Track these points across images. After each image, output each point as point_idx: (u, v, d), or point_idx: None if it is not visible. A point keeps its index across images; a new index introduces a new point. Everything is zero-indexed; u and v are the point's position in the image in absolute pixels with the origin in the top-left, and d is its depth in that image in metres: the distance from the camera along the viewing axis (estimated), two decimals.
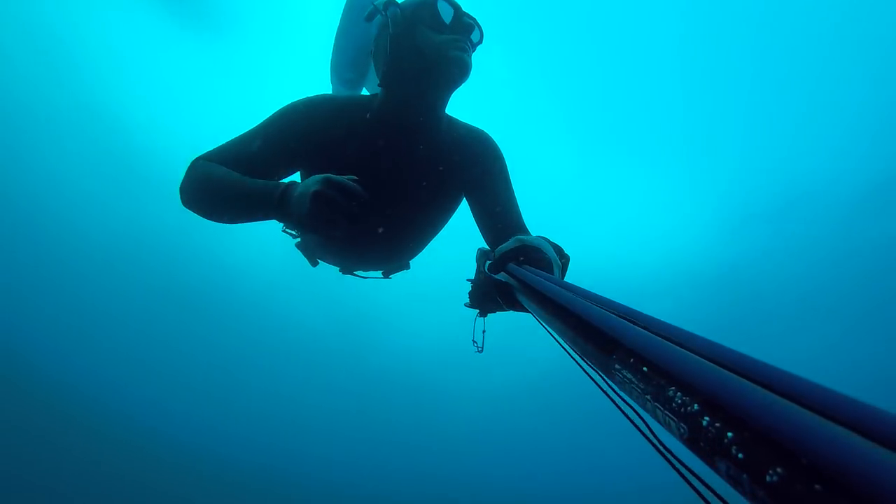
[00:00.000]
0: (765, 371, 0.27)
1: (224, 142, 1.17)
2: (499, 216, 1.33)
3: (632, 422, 0.39)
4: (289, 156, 1.17)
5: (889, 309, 10.52)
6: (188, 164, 1.12)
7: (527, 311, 0.73)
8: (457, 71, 1.15)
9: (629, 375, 0.33)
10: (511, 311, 1.01)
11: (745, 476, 0.22)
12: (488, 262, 0.91)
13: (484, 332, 1.13)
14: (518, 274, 0.71)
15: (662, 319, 0.37)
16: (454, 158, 1.33)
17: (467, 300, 1.13)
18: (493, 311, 1.08)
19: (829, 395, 0.23)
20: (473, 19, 1.20)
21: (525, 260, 0.84)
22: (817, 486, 0.19)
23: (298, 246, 1.64)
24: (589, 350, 0.40)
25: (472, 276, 1.10)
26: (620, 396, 0.39)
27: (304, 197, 0.90)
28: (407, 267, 1.72)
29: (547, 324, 0.55)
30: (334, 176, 0.90)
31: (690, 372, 0.27)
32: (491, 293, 1.04)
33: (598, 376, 0.42)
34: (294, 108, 1.19)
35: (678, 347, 0.31)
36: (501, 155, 1.40)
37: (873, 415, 0.20)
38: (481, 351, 1.13)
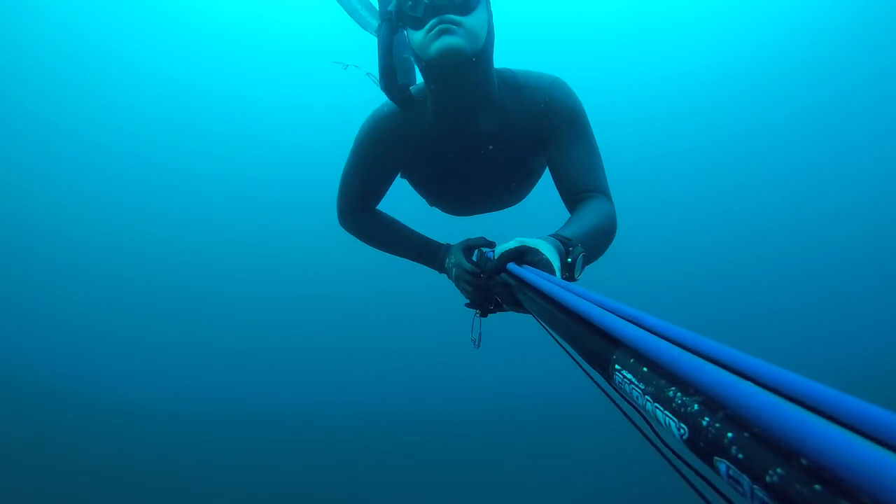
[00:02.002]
0: (765, 371, 0.27)
1: (341, 184, 1.42)
2: (570, 178, 1.23)
3: (632, 422, 0.39)
4: (389, 175, 1.40)
5: None
6: (342, 212, 1.44)
7: (527, 311, 0.73)
8: (449, 61, 1.08)
9: (629, 376, 0.33)
10: (511, 312, 1.01)
11: (744, 476, 0.22)
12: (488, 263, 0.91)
13: (480, 333, 1.14)
14: (518, 274, 0.71)
15: (662, 319, 0.37)
16: (520, 127, 1.26)
17: (467, 300, 1.14)
18: (494, 311, 1.08)
19: (830, 395, 0.23)
20: None
21: (525, 261, 0.84)
22: (817, 487, 0.19)
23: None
24: (589, 350, 0.40)
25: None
26: (622, 397, 0.38)
27: (453, 272, 1.17)
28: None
29: (547, 324, 0.55)
30: (467, 265, 1.09)
31: (690, 372, 0.27)
32: (491, 293, 1.04)
33: (598, 377, 0.42)
34: (370, 143, 1.32)
35: (678, 348, 0.31)
36: (574, 109, 1.25)
37: (873, 414, 0.20)
38: (478, 347, 1.14)
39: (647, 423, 0.36)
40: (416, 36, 1.10)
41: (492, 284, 0.90)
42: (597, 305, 0.43)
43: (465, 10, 1.08)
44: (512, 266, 0.77)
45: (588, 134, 1.26)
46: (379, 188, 1.41)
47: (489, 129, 1.25)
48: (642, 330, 0.35)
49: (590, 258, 1.04)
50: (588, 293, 0.48)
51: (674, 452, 0.34)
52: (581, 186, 1.21)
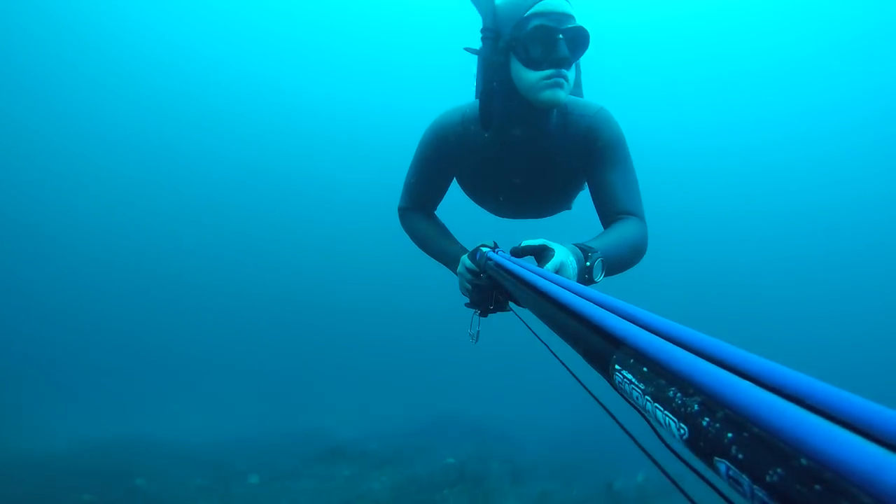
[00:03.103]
0: (766, 369, 0.26)
1: (404, 184, 1.55)
2: (606, 200, 1.31)
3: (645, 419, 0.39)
4: (445, 180, 1.51)
5: None
6: (400, 209, 1.58)
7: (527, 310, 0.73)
8: (549, 108, 1.18)
9: (629, 376, 0.32)
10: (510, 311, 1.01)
11: (745, 476, 0.22)
12: (501, 252, 0.98)
13: (479, 329, 1.15)
14: (519, 273, 0.71)
15: (663, 318, 0.37)
16: (563, 149, 1.36)
17: (467, 300, 1.14)
18: (494, 311, 1.09)
19: (831, 393, 0.22)
20: (573, 47, 1.14)
21: (537, 259, 0.92)
22: (817, 486, 0.19)
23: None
24: (589, 349, 0.40)
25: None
26: (623, 397, 0.38)
27: (458, 269, 1.23)
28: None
29: (547, 323, 0.55)
30: (469, 264, 1.13)
31: (690, 372, 0.27)
32: (491, 293, 1.05)
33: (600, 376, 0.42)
34: (429, 149, 1.42)
35: (678, 347, 0.30)
36: (614, 138, 1.33)
37: (874, 413, 0.20)
38: (476, 341, 1.16)
39: (657, 423, 0.36)
40: (529, 75, 1.15)
41: (492, 284, 0.93)
42: (597, 305, 0.43)
43: (571, 66, 1.17)
44: (510, 264, 0.78)
45: (626, 160, 1.34)
46: (437, 191, 1.53)
47: (538, 149, 1.34)
48: (642, 329, 0.35)
49: (614, 268, 1.12)
50: (589, 292, 0.48)
51: (675, 453, 0.34)
52: (616, 208, 1.29)
